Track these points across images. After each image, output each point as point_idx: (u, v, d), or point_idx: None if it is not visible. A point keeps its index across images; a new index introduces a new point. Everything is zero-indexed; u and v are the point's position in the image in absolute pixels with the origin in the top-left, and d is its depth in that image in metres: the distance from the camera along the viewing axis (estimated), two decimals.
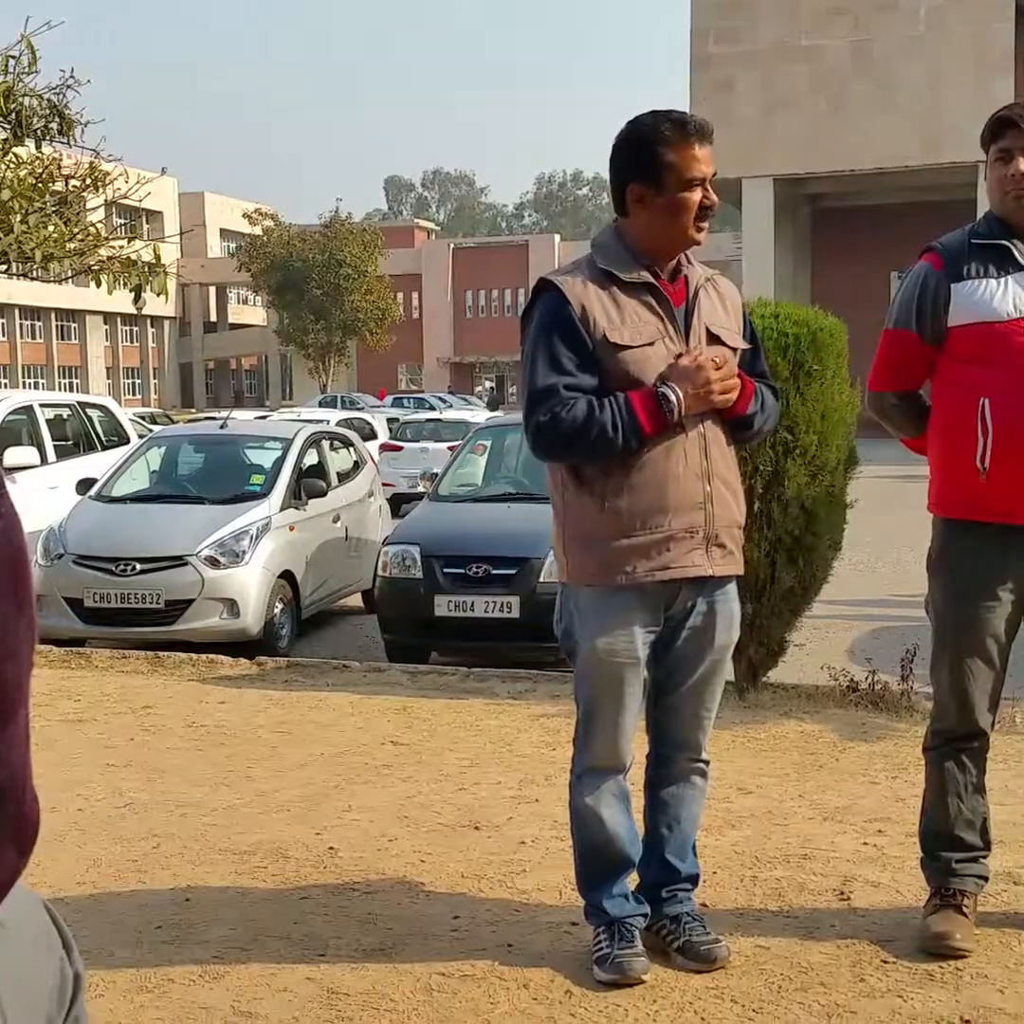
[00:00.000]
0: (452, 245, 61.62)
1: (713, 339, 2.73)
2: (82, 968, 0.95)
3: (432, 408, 29.24)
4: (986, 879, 3.00)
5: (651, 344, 2.65)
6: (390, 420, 20.87)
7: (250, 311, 65.69)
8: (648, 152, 2.62)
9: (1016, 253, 2.83)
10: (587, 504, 2.67)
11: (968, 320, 2.82)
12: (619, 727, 2.72)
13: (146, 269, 7.25)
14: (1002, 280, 2.81)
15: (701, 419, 2.67)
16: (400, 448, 16.89)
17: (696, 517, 2.66)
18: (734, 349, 2.78)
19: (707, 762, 2.89)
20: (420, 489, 9.38)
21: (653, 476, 2.63)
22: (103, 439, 9.93)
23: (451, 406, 31.12)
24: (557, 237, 60.98)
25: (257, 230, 46.89)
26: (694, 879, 2.90)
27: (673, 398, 2.60)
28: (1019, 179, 2.74)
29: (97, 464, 8.88)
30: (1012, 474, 2.77)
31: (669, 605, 2.73)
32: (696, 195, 2.63)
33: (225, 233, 63.05)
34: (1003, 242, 2.83)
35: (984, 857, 2.99)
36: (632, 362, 2.63)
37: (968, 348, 2.83)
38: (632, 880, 2.85)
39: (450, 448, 12.11)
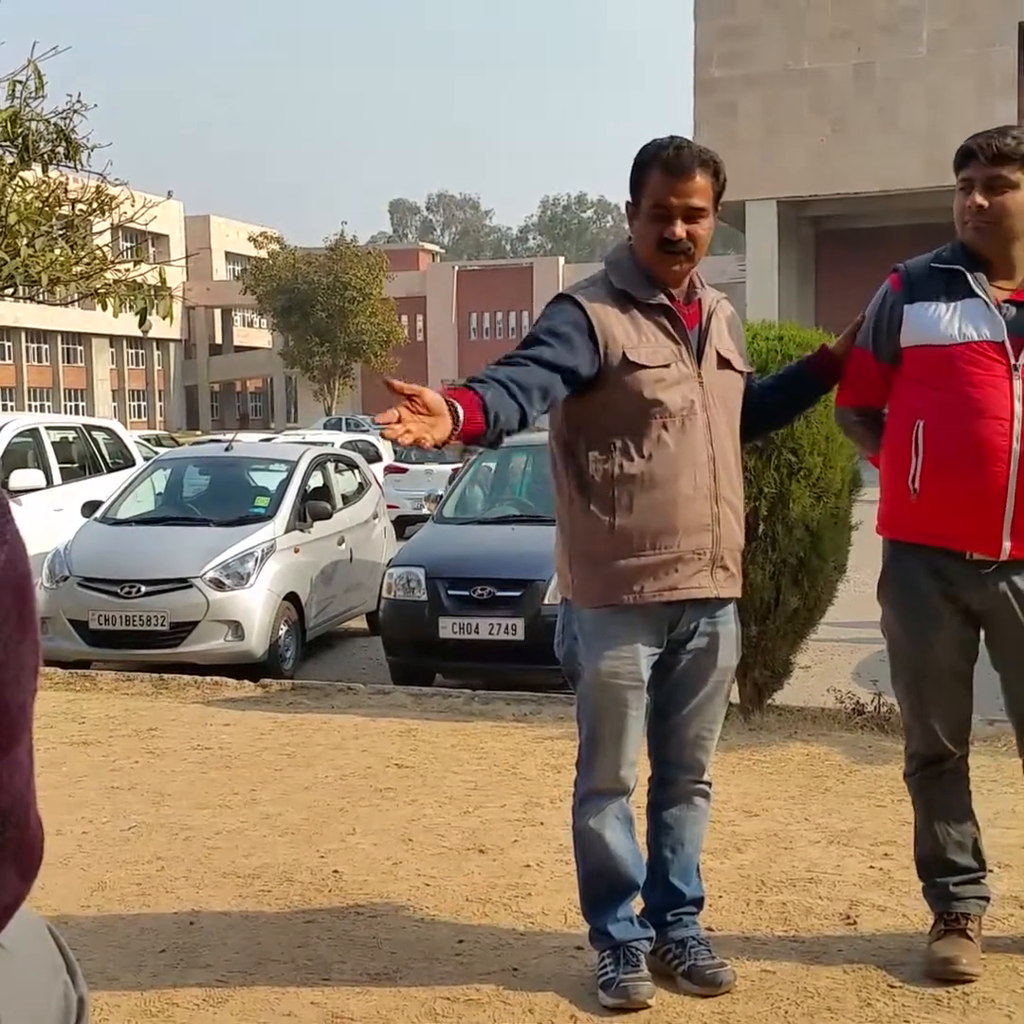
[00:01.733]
0: (457, 268, 61.89)
1: (723, 363, 2.75)
2: (86, 992, 0.95)
3: None
4: (987, 900, 2.98)
5: (667, 366, 2.66)
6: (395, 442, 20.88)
7: (255, 334, 65.96)
8: (634, 174, 2.69)
9: (970, 280, 2.83)
10: (596, 523, 2.68)
11: (916, 342, 2.85)
12: (622, 750, 2.72)
13: (152, 292, 7.30)
14: (952, 305, 2.83)
15: (710, 440, 2.69)
16: (405, 470, 16.91)
17: (704, 539, 2.68)
18: (740, 372, 2.81)
19: (709, 784, 2.88)
20: (425, 511, 9.38)
21: (664, 497, 2.64)
22: (108, 461, 9.96)
23: None
24: (561, 260, 61.19)
25: (262, 253, 47.12)
26: (699, 902, 2.89)
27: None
28: (974, 210, 2.75)
29: (102, 486, 8.91)
30: (940, 496, 2.78)
31: (673, 626, 2.73)
32: (658, 226, 2.62)
33: (231, 256, 63.38)
34: (958, 268, 2.85)
35: (982, 877, 2.97)
36: (647, 383, 2.64)
37: (915, 370, 2.86)
38: (637, 904, 2.83)
39: (454, 470, 12.14)
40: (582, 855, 2.80)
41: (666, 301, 2.69)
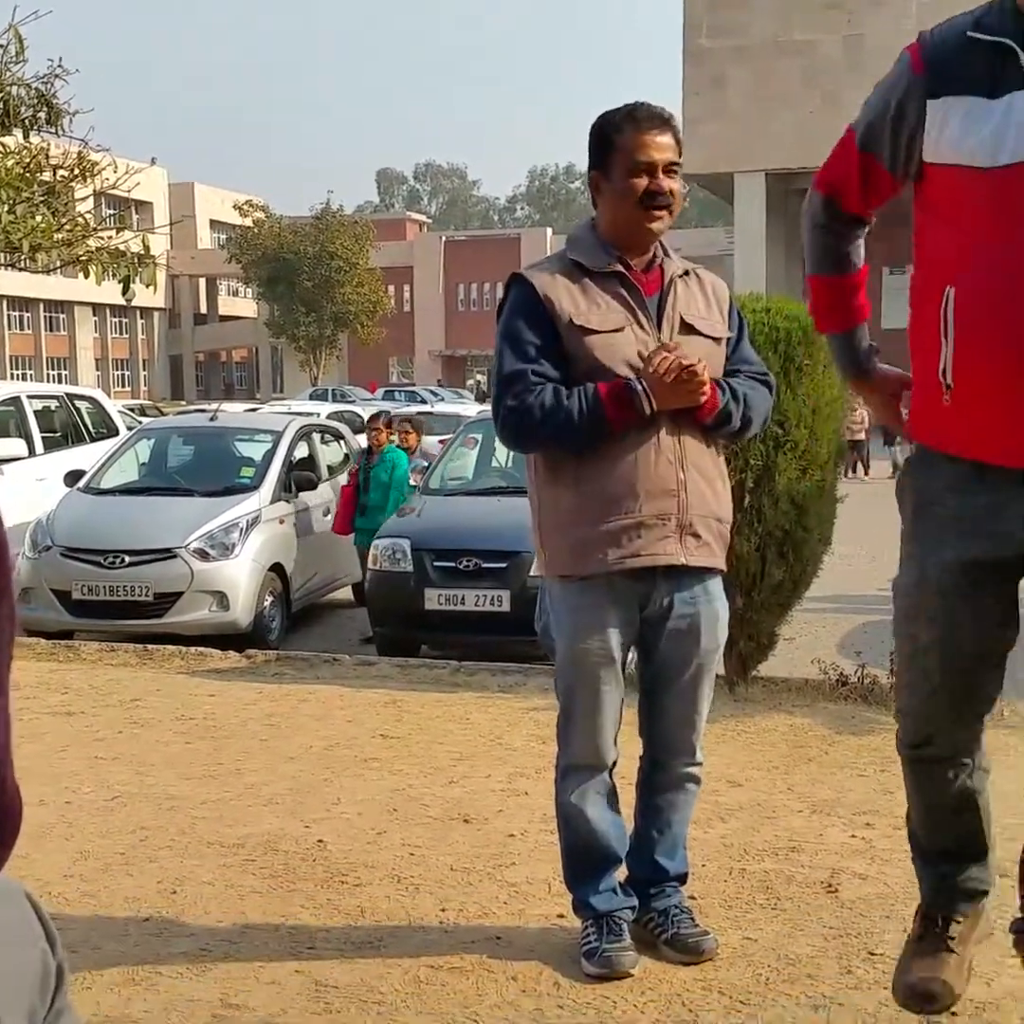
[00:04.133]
0: (444, 238, 61.52)
1: (687, 328, 2.69)
2: (65, 960, 0.94)
3: (423, 401, 29.23)
4: (985, 893, 2.38)
5: (619, 330, 2.63)
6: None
7: (241, 303, 65.49)
8: (602, 139, 2.66)
9: None
10: (560, 492, 2.67)
11: (943, 159, 1.99)
12: (598, 725, 2.70)
13: (135, 260, 7.22)
14: (998, 102, 1.93)
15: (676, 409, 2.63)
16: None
17: (667, 504, 2.62)
18: (715, 339, 2.74)
19: (700, 764, 2.87)
20: (411, 482, 9.35)
21: (624, 462, 2.61)
22: (92, 431, 9.90)
23: (442, 399, 31.09)
24: (549, 231, 60.86)
25: (247, 222, 46.71)
26: (683, 878, 2.89)
27: (639, 388, 2.57)
28: None
29: (85, 456, 8.86)
30: (979, 395, 2.01)
31: (644, 603, 2.68)
32: (642, 181, 2.61)
33: (215, 224, 62.81)
34: (1007, 41, 1.92)
35: (979, 864, 2.36)
36: (599, 347, 2.62)
37: (942, 202, 2.03)
38: (621, 872, 2.84)
39: (441, 442, 12.10)
40: (564, 829, 2.81)
41: (621, 268, 2.67)
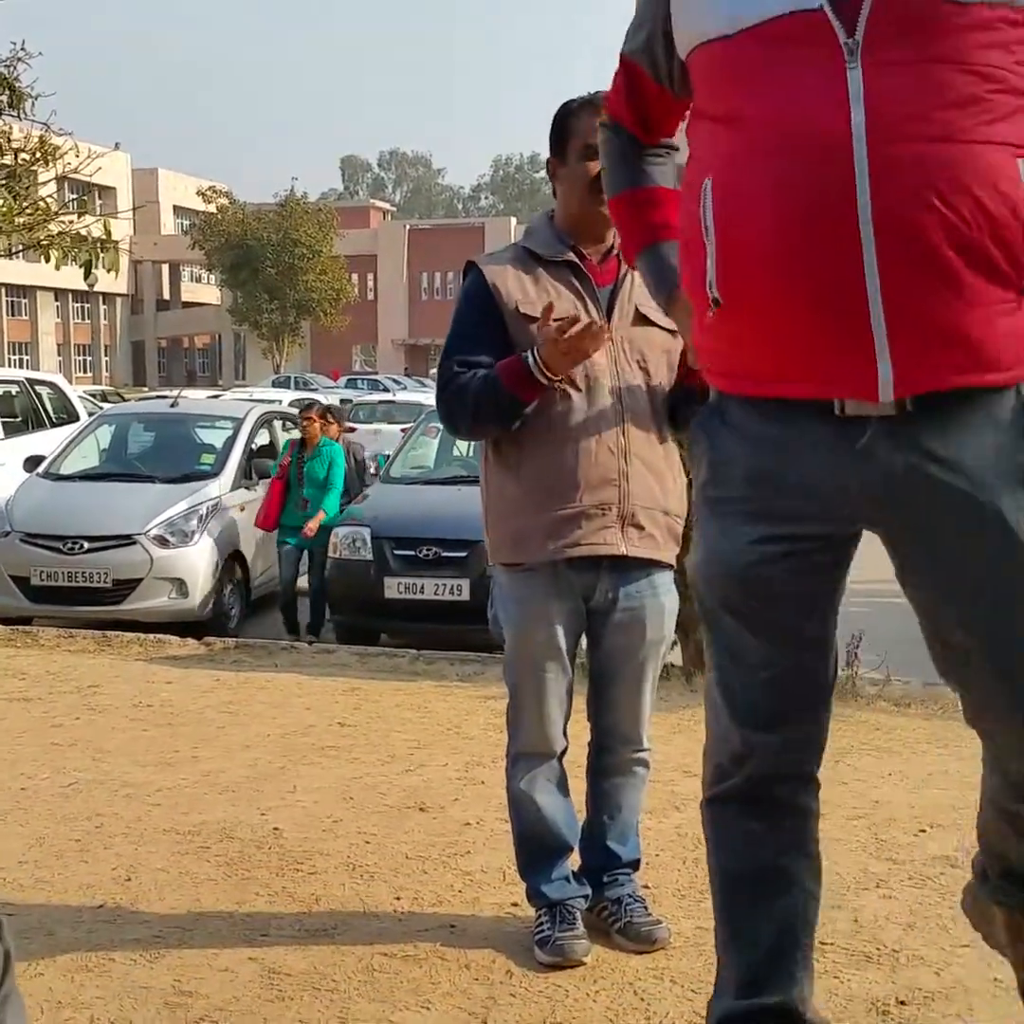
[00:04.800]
0: (408, 226, 61.27)
1: (642, 319, 2.68)
2: (13, 946, 0.94)
3: (386, 390, 29.17)
4: None
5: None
6: (343, 401, 20.78)
7: (204, 289, 64.87)
8: (560, 126, 2.69)
9: None
10: (505, 481, 2.68)
11: (690, 43, 1.71)
12: (544, 714, 2.71)
13: (96, 245, 7.14)
14: None
15: (620, 396, 2.62)
16: (352, 430, 16.81)
17: (608, 493, 2.61)
18: (673, 332, 2.69)
19: (649, 749, 2.87)
20: (372, 471, 9.34)
21: (565, 451, 2.60)
22: (52, 416, 9.81)
23: (405, 388, 31.04)
24: (513, 220, 60.72)
25: (211, 208, 46.25)
26: (636, 864, 2.90)
27: (531, 357, 2.54)
28: None
29: (45, 441, 8.78)
30: (752, 306, 1.63)
31: (589, 594, 2.67)
32: (594, 164, 2.58)
33: (179, 210, 62.14)
34: None
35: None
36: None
37: (700, 89, 1.74)
38: (574, 860, 2.86)
39: (403, 430, 12.09)
40: (515, 817, 2.82)
41: (574, 258, 2.67)
